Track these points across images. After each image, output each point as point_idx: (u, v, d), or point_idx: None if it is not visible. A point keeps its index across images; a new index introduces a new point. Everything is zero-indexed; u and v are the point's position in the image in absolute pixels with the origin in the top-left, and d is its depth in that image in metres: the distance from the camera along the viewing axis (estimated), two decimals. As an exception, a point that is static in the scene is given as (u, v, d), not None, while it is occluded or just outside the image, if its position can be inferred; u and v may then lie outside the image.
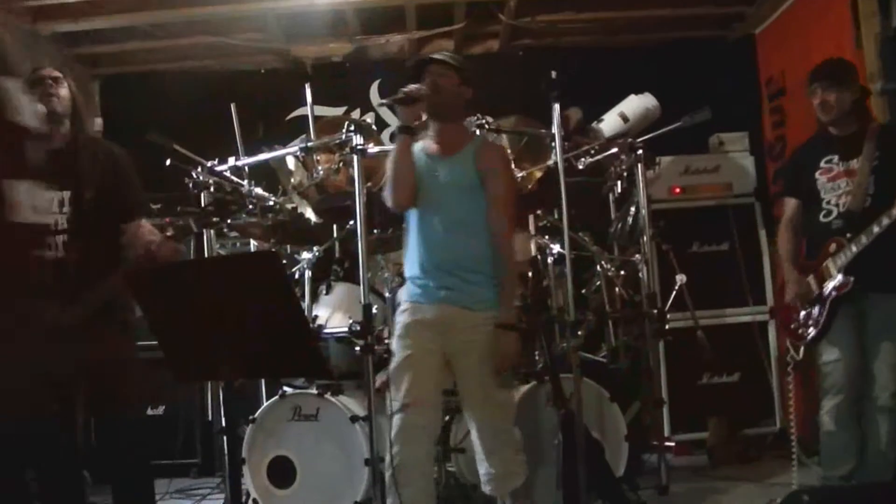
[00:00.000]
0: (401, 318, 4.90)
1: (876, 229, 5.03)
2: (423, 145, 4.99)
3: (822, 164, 5.42)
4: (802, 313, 5.43)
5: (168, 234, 4.63)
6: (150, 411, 7.67)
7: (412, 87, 4.74)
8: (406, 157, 4.81)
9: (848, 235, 5.16)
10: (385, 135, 7.90)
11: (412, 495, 4.68)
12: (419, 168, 4.90)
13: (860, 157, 5.27)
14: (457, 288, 4.79)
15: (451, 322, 4.77)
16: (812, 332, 5.35)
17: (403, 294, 4.99)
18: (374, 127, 7.84)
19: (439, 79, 4.80)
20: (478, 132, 5.45)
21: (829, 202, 5.36)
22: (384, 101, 4.90)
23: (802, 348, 5.45)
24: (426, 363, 4.78)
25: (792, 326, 5.52)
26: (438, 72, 4.81)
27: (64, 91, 4.85)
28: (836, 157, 5.39)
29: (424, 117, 4.90)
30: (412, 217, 4.93)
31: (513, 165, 5.84)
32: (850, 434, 5.25)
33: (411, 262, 4.93)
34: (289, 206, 6.47)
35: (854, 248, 5.14)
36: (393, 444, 4.71)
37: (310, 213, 6.50)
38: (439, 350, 4.80)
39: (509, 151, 6.48)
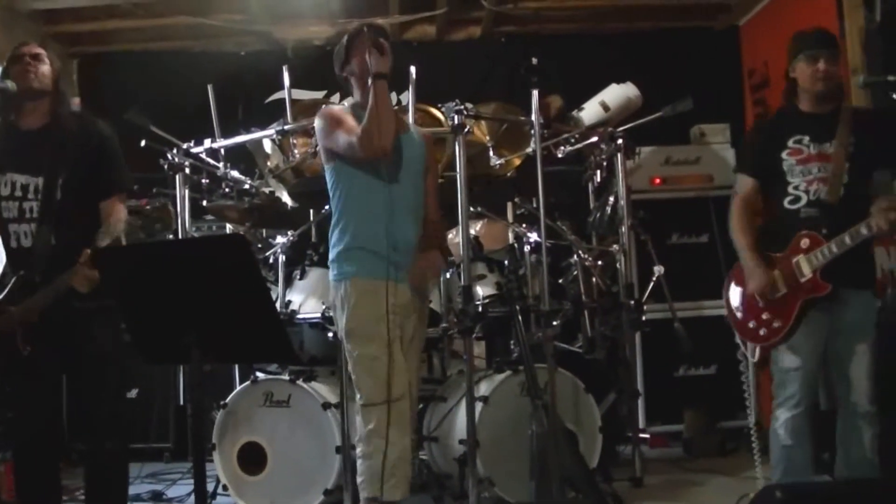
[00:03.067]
0: (369, 298, 4.62)
1: (864, 231, 4.62)
2: None
3: (791, 143, 4.95)
4: (765, 313, 4.93)
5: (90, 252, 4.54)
6: (124, 394, 7.64)
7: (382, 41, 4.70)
8: (389, 101, 4.67)
9: (824, 231, 4.76)
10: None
11: (407, 485, 4.60)
12: None
13: (834, 140, 4.87)
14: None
15: (413, 306, 4.78)
16: (778, 335, 4.86)
17: (356, 269, 4.70)
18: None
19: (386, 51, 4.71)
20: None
21: (797, 187, 4.90)
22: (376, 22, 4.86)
23: (759, 350, 5.00)
24: (402, 351, 4.67)
25: (750, 326, 4.99)
26: (384, 41, 4.73)
27: (45, 68, 4.78)
28: (806, 138, 4.93)
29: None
30: (363, 186, 4.73)
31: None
32: (808, 447, 4.89)
33: (371, 233, 4.69)
34: (265, 189, 6.43)
35: (835, 250, 4.69)
36: (390, 435, 4.49)
37: (286, 197, 6.46)
38: (399, 336, 4.70)
39: (488, 138, 6.46)
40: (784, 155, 4.95)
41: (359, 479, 4.59)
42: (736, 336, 5.12)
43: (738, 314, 5.09)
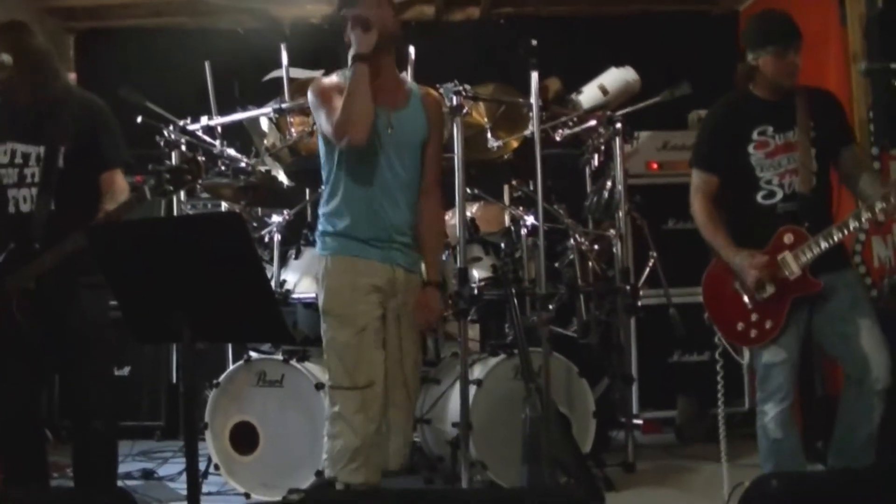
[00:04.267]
0: (348, 277, 4.53)
1: (853, 224, 4.56)
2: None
3: (756, 136, 4.79)
4: (754, 314, 4.73)
5: (121, 201, 4.57)
6: (115, 372, 7.63)
7: (368, 12, 4.43)
8: (366, 89, 4.40)
9: (806, 225, 4.65)
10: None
11: (372, 474, 4.49)
12: None
13: (796, 128, 4.74)
14: (400, 249, 4.62)
15: (398, 284, 4.61)
16: (770, 335, 4.68)
17: (338, 246, 4.59)
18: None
19: (378, 10, 4.48)
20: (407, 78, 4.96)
21: (769, 181, 4.74)
22: (343, 11, 4.53)
23: (748, 352, 4.91)
24: (378, 335, 4.55)
25: (739, 328, 4.78)
26: (377, 3, 4.51)
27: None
28: (770, 129, 4.77)
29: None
30: (349, 166, 4.56)
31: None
32: (796, 436, 4.80)
33: (352, 214, 4.56)
34: (261, 167, 6.40)
35: (824, 244, 4.57)
36: (353, 420, 4.43)
37: (282, 176, 6.43)
38: (381, 314, 4.58)
39: (486, 120, 6.43)
40: (751, 149, 4.79)
41: (323, 457, 4.57)
42: (717, 336, 4.98)
43: (723, 318, 4.89)
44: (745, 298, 4.75)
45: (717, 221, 4.86)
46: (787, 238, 4.67)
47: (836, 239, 4.58)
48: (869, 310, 4.77)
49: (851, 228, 4.57)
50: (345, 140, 4.41)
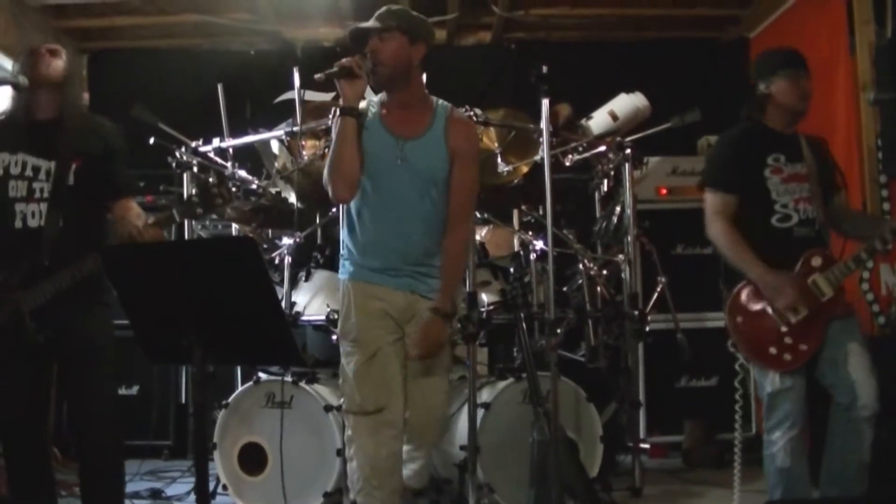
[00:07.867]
0: (360, 301, 4.51)
1: (879, 246, 4.64)
2: (382, 115, 4.56)
3: (770, 161, 4.84)
4: (787, 337, 4.67)
5: (150, 221, 4.63)
6: (124, 391, 7.67)
7: (347, 59, 4.32)
8: (350, 144, 4.34)
9: (827, 252, 4.76)
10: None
11: (387, 497, 4.46)
12: (378, 144, 4.48)
13: (803, 162, 4.86)
14: (415, 276, 4.53)
15: (413, 310, 4.53)
16: (805, 358, 4.67)
17: (354, 271, 4.56)
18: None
19: (380, 46, 4.41)
20: (440, 101, 4.78)
21: (784, 205, 4.79)
22: (318, 75, 4.33)
23: (778, 377, 4.69)
24: (395, 358, 4.51)
25: (772, 352, 4.70)
26: (379, 38, 4.42)
27: (59, 63, 4.78)
28: (783, 157, 4.84)
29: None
30: (362, 195, 4.49)
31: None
32: (805, 463, 4.74)
33: (364, 243, 4.53)
34: (272, 190, 6.42)
35: (853, 266, 4.68)
36: (363, 445, 4.43)
37: (293, 198, 6.45)
38: (399, 339, 4.54)
39: (496, 145, 6.44)
40: (767, 173, 4.84)
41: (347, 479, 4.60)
42: (738, 363, 4.93)
43: (754, 342, 4.80)
44: (778, 322, 4.70)
45: (743, 242, 4.77)
46: (816, 261, 4.73)
47: (864, 258, 4.73)
48: (858, 335, 4.81)
49: (878, 248, 4.67)
50: (332, 196, 4.45)
